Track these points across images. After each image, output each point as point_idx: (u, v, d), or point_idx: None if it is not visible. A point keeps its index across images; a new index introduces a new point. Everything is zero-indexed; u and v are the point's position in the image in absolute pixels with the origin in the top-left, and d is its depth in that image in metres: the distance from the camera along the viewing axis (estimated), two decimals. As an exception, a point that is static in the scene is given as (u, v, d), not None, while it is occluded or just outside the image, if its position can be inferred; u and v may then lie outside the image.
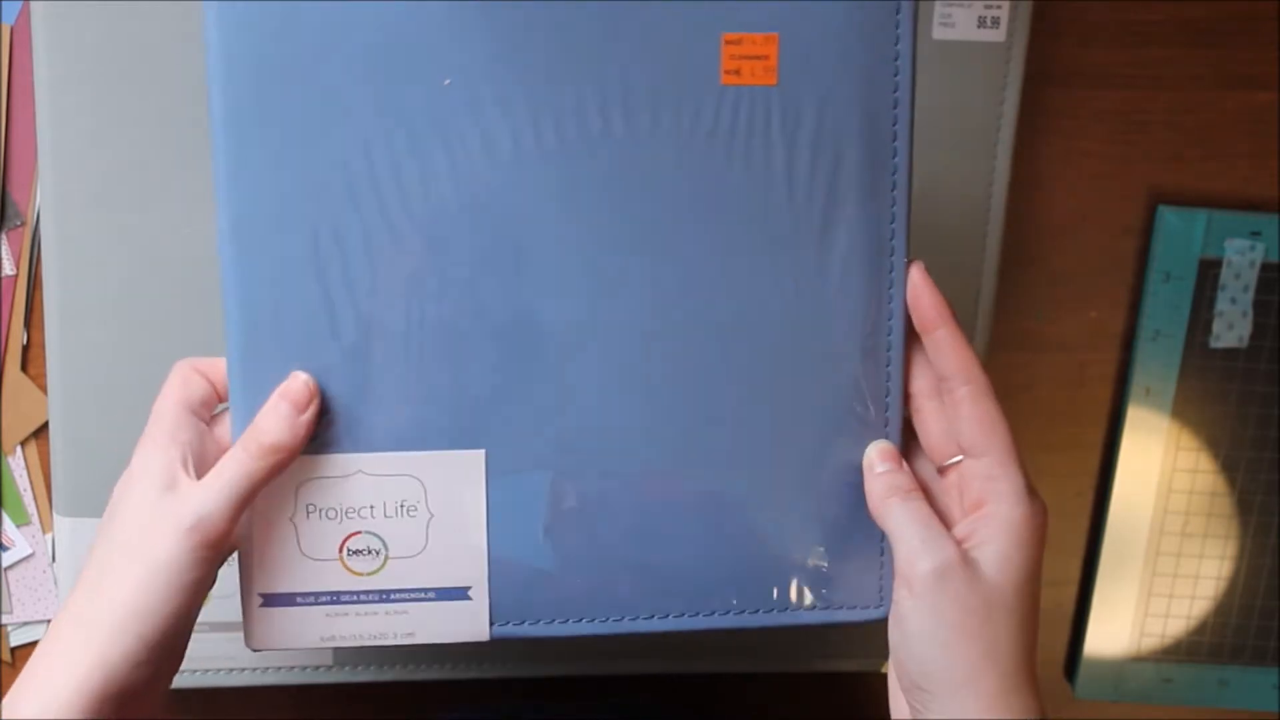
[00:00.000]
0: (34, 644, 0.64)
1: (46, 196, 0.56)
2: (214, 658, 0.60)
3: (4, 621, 0.63)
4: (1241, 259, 0.65)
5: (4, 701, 0.42)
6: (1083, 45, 0.63)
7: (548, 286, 0.44)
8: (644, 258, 0.44)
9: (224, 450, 0.44)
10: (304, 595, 0.45)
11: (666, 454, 0.45)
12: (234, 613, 0.60)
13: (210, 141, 0.43)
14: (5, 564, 0.62)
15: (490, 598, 0.45)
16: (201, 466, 0.44)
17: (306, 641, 0.45)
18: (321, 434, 0.44)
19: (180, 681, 0.60)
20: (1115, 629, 0.69)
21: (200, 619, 0.59)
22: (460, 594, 0.45)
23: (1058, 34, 0.63)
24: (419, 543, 0.45)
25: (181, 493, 0.42)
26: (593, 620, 0.46)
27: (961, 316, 0.62)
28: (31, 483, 0.62)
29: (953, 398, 0.44)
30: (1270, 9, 0.63)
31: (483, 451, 0.44)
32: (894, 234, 0.45)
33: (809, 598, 0.47)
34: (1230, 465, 0.68)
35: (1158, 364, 0.66)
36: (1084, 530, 0.69)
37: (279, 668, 0.62)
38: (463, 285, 0.44)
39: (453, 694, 0.66)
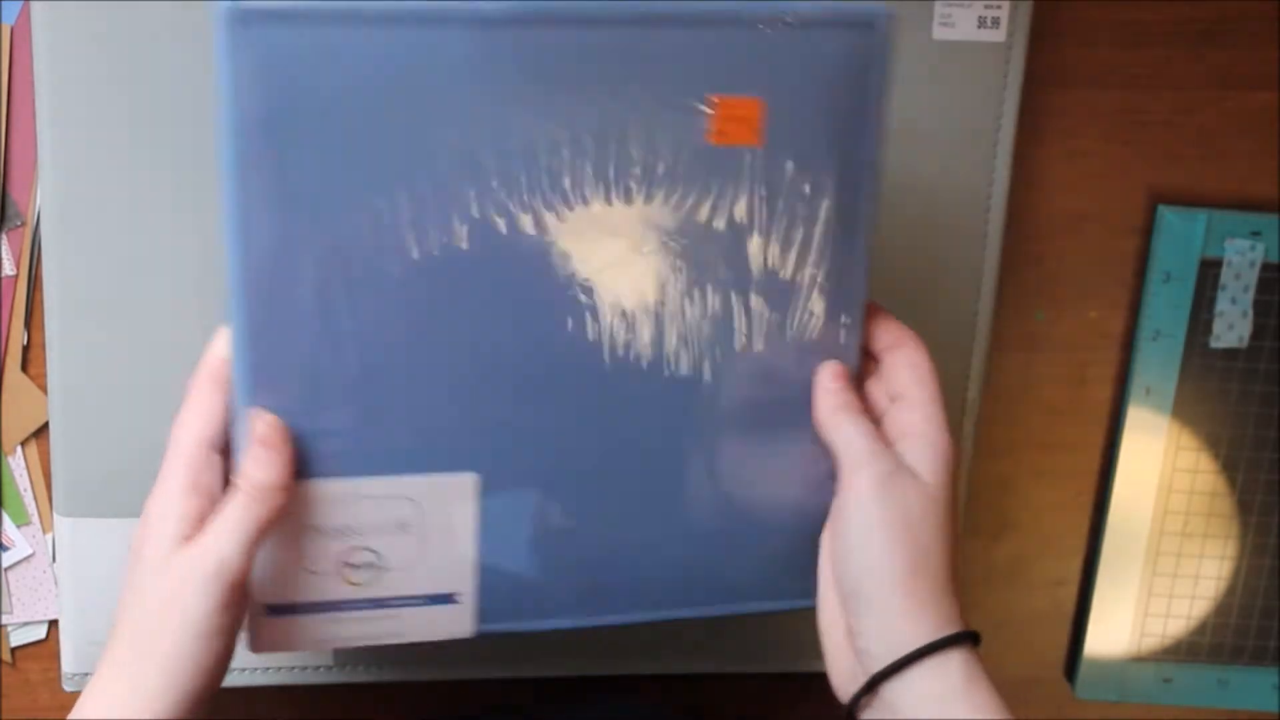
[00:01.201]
0: (34, 644, 0.64)
1: (46, 196, 0.56)
2: (214, 658, 0.60)
3: (4, 621, 0.63)
4: (1241, 259, 0.65)
5: None
6: (1083, 45, 0.63)
7: (541, 321, 0.46)
8: (626, 306, 0.47)
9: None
10: (305, 605, 0.47)
11: (648, 475, 0.49)
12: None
13: (220, 176, 0.43)
14: (5, 564, 0.62)
15: (476, 601, 0.49)
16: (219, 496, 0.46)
17: (306, 646, 0.48)
18: (325, 461, 0.46)
19: (180, 681, 0.60)
20: (1115, 629, 0.69)
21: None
22: (448, 600, 0.48)
23: (1058, 34, 0.63)
24: (413, 557, 0.47)
25: (201, 544, 0.44)
26: (568, 617, 0.50)
27: (961, 316, 0.62)
28: (31, 483, 0.62)
29: (891, 357, 0.49)
30: (1270, 9, 0.63)
31: (473, 475, 0.47)
32: (855, 275, 0.48)
33: (760, 590, 0.51)
34: (1230, 465, 0.68)
35: (1158, 364, 0.66)
36: (1084, 530, 0.69)
37: (279, 668, 0.62)
38: (461, 320, 0.45)
39: (452, 694, 0.66)
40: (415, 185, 0.44)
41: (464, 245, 0.44)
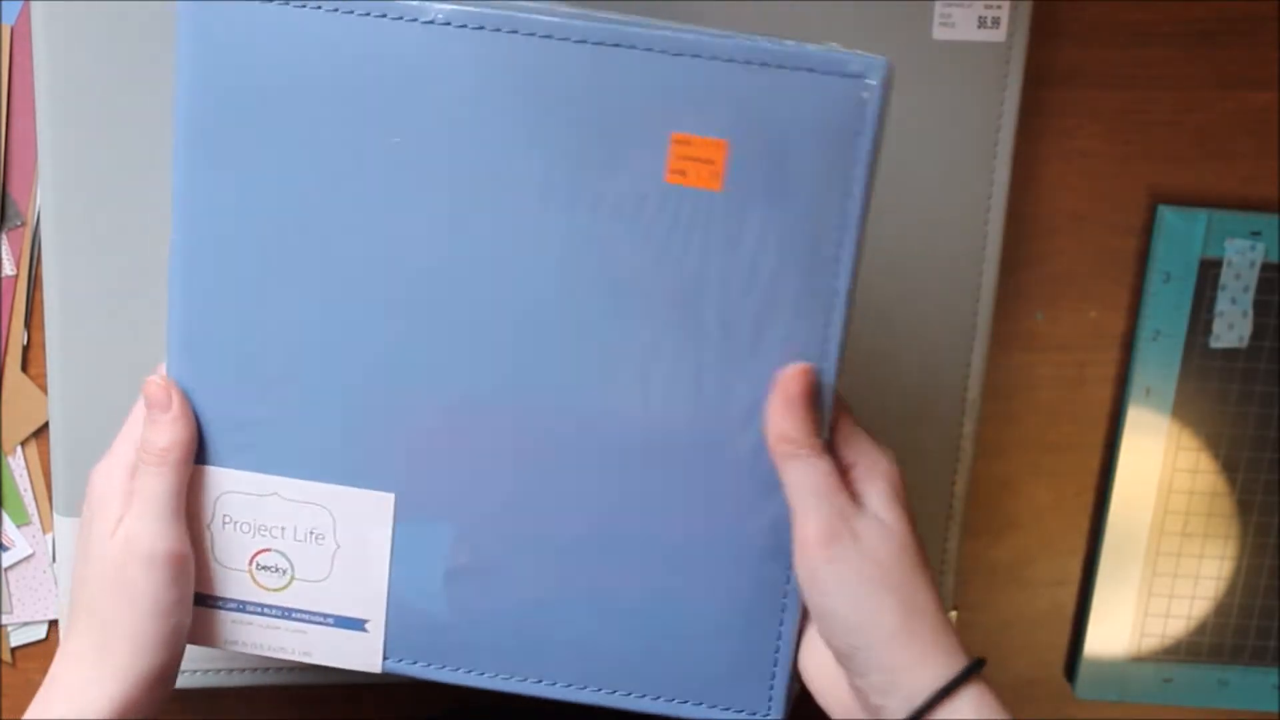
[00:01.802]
0: (34, 644, 0.64)
1: (46, 196, 0.56)
2: (214, 658, 0.60)
3: (4, 621, 0.63)
4: (1241, 259, 0.65)
5: None
6: (1083, 45, 0.63)
7: (475, 350, 0.45)
8: (568, 338, 0.44)
9: None
10: (212, 598, 0.47)
11: (570, 533, 0.46)
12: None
13: (172, 150, 0.44)
14: (5, 564, 0.62)
15: (386, 633, 0.47)
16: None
17: (211, 640, 0.48)
18: (244, 451, 0.46)
19: (180, 681, 0.60)
20: (1115, 629, 0.69)
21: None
22: (357, 625, 0.47)
23: (1058, 34, 0.63)
24: (324, 570, 0.47)
25: (127, 525, 0.45)
26: (481, 674, 0.48)
27: (961, 316, 0.62)
28: (31, 483, 0.62)
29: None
30: (1270, 9, 0.63)
31: (392, 495, 0.46)
32: (825, 354, 0.44)
33: (697, 692, 0.47)
34: (1230, 465, 0.68)
35: (1158, 364, 0.66)
36: (1084, 530, 0.69)
37: (279, 668, 0.62)
38: (393, 337, 0.45)
39: (453, 694, 0.65)
40: (359, 183, 0.43)
41: (408, 253, 0.44)
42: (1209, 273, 0.65)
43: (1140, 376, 0.66)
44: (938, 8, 0.58)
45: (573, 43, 0.41)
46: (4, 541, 0.62)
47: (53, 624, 0.64)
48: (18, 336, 0.61)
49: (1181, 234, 0.65)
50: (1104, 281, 0.66)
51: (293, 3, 0.42)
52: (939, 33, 0.59)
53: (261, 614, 0.47)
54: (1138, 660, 0.70)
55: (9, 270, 0.60)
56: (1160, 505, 0.68)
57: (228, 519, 0.46)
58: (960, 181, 0.60)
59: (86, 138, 0.55)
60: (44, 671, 0.66)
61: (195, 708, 0.65)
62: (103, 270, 0.56)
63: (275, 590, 0.47)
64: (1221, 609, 0.69)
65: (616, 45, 0.41)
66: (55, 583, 0.63)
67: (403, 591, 0.47)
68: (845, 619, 0.44)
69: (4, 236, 0.60)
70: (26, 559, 0.63)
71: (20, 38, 0.58)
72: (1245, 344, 0.66)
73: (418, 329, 0.44)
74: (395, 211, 0.43)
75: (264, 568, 0.47)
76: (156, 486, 0.45)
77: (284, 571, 0.47)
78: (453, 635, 0.47)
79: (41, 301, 0.58)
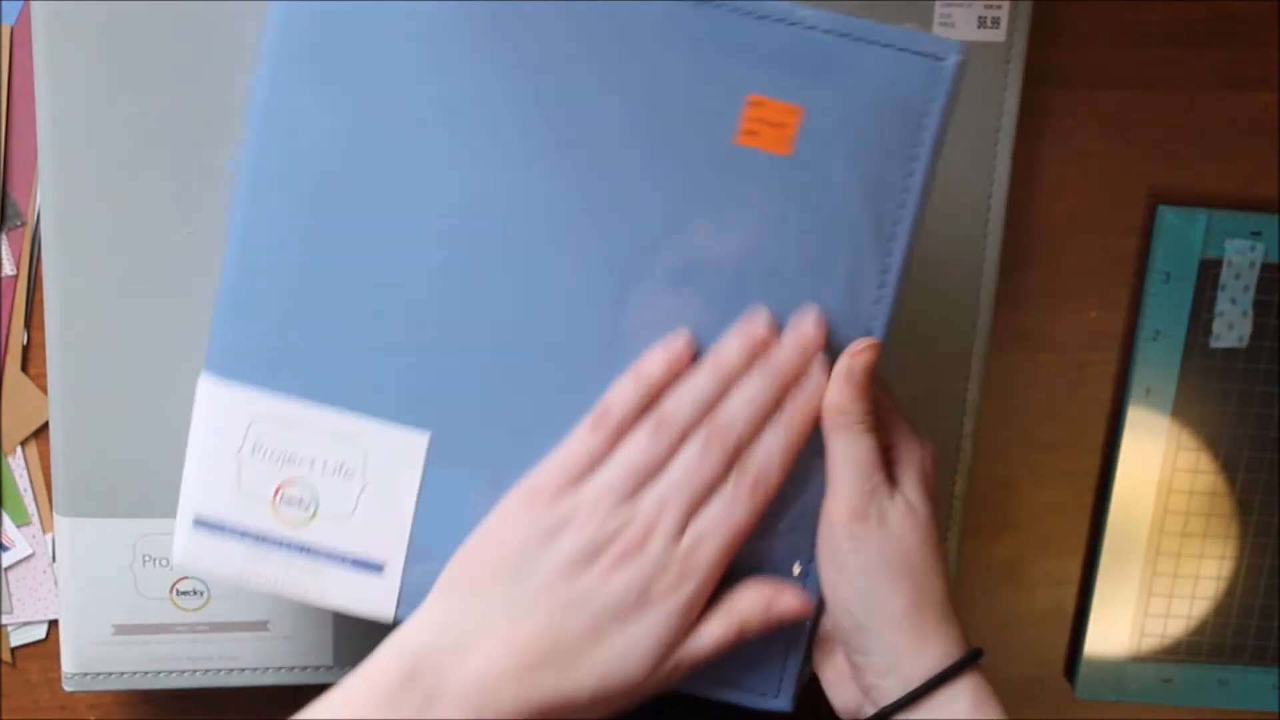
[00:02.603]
0: (34, 644, 0.64)
1: (46, 196, 0.56)
2: (214, 658, 0.60)
3: (4, 621, 0.63)
4: (1241, 259, 0.65)
5: None
6: (1083, 45, 0.63)
7: (529, 300, 0.45)
8: (621, 293, 0.45)
9: None
10: (232, 528, 0.47)
11: None
12: (234, 613, 0.60)
13: (259, 59, 0.44)
14: (5, 564, 0.62)
15: (402, 579, 0.47)
16: None
17: (224, 572, 0.47)
18: (285, 376, 0.45)
19: (181, 682, 0.60)
20: (1115, 629, 0.69)
21: (200, 619, 0.59)
22: (375, 568, 0.47)
23: (1058, 34, 0.63)
24: (348, 507, 0.46)
25: None
26: None
27: (961, 316, 0.62)
28: (31, 483, 0.62)
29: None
30: (1270, 9, 0.63)
31: (428, 435, 0.46)
32: (872, 331, 0.45)
33: (714, 669, 0.47)
34: (1230, 465, 0.68)
35: (1158, 364, 0.66)
36: (1084, 530, 0.69)
37: (279, 668, 0.62)
38: (448, 280, 0.45)
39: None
40: (438, 120, 0.43)
41: (475, 196, 0.44)
42: (1209, 273, 0.65)
43: (1140, 376, 0.66)
44: (938, 8, 0.58)
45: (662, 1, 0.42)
46: (4, 541, 0.62)
47: (53, 624, 0.64)
48: (18, 336, 0.61)
49: (1181, 234, 0.65)
50: (1104, 281, 0.66)
51: None
52: (939, 32, 0.59)
53: (279, 547, 0.47)
54: (1137, 660, 0.70)
55: (9, 270, 0.60)
56: (1160, 505, 0.68)
57: (258, 446, 0.46)
58: (960, 181, 0.60)
59: (86, 138, 0.55)
60: (44, 671, 0.66)
61: (194, 708, 0.65)
62: (103, 270, 0.56)
63: (297, 525, 0.46)
64: (1221, 609, 0.69)
65: (701, 0, 0.42)
66: (55, 583, 0.63)
67: (425, 537, 0.46)
68: (858, 598, 0.45)
69: (4, 236, 0.60)
70: (26, 559, 0.63)
71: (20, 38, 0.58)
72: (1245, 344, 0.66)
73: (475, 274, 0.45)
74: (468, 155, 0.44)
75: (288, 500, 0.46)
76: None
77: (308, 505, 0.46)
78: None
79: (41, 301, 0.58)
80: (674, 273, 0.45)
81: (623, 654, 0.43)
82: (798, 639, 0.47)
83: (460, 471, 0.46)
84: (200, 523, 0.46)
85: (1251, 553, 0.69)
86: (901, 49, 0.42)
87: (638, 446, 0.44)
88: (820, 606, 0.47)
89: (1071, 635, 0.71)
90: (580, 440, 0.44)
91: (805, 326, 0.44)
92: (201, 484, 0.46)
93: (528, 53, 0.43)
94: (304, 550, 0.47)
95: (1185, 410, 0.67)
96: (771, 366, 0.44)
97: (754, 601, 0.45)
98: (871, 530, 0.44)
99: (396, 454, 0.46)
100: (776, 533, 0.46)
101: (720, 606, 0.45)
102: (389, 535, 0.46)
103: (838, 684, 0.47)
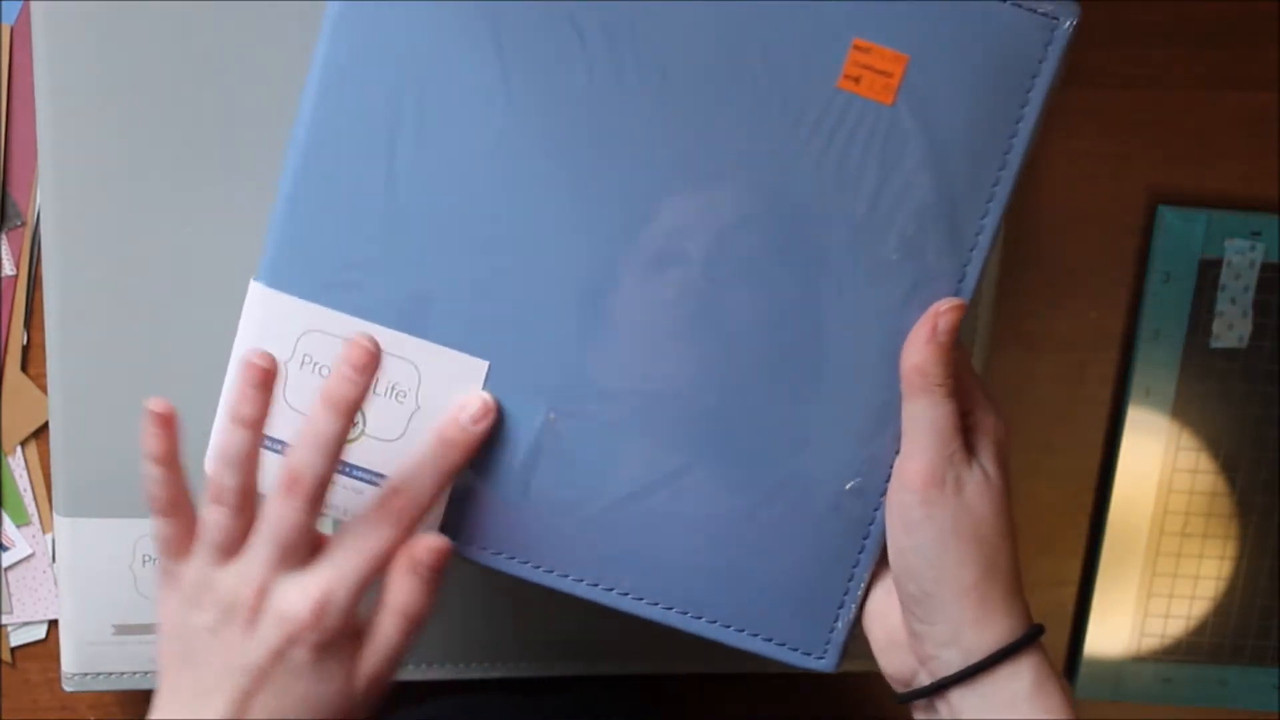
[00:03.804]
0: (34, 644, 0.64)
1: (46, 196, 0.56)
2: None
3: (4, 621, 0.63)
4: (1241, 259, 0.65)
5: None
6: (1083, 45, 0.63)
7: (594, 230, 0.43)
8: (697, 226, 0.43)
9: None
10: (275, 441, 0.45)
11: (667, 438, 0.45)
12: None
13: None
14: (5, 564, 0.62)
15: (447, 509, 0.45)
16: None
17: (266, 485, 0.44)
18: (344, 291, 0.44)
19: (180, 681, 0.60)
20: (1115, 629, 0.69)
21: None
22: None
23: (1058, 34, 0.63)
24: (398, 429, 0.45)
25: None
26: (536, 567, 0.46)
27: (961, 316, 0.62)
28: (31, 483, 0.62)
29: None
30: (1270, 9, 0.63)
31: (487, 363, 0.44)
32: (961, 291, 0.44)
33: (756, 622, 0.47)
34: (1230, 465, 0.68)
35: (1158, 364, 0.66)
36: (1084, 530, 0.69)
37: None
38: (512, 206, 0.43)
39: (450, 694, 0.65)
40: (512, 67, 0.42)
41: (548, 134, 0.43)
42: (1209, 273, 0.65)
43: (1140, 376, 0.66)
44: (938, 8, 0.58)
45: None
46: (4, 541, 0.62)
47: (53, 624, 0.64)
48: (18, 336, 0.61)
49: (1181, 234, 0.65)
50: (1104, 281, 0.66)
51: None
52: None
53: None
54: (1137, 660, 0.70)
55: (9, 270, 0.60)
56: (1160, 505, 0.68)
57: (308, 358, 0.44)
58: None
59: (86, 138, 0.55)
60: (44, 671, 0.66)
61: (195, 708, 0.65)
62: (103, 270, 0.56)
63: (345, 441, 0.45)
64: (1221, 609, 0.69)
65: None
66: (55, 583, 0.63)
67: (474, 471, 0.45)
68: (927, 563, 0.44)
69: (4, 236, 0.60)
70: (26, 559, 0.63)
71: (20, 38, 0.58)
72: (1245, 344, 0.66)
73: (547, 208, 0.43)
74: (544, 88, 0.42)
75: None
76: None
77: (355, 424, 0.44)
78: (521, 522, 0.46)
79: (41, 301, 0.58)
80: (758, 218, 0.43)
81: (307, 703, 0.43)
82: (851, 596, 0.46)
83: (519, 401, 0.44)
84: None
85: (1251, 553, 0.69)
86: (1018, 4, 0.42)
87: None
88: (879, 567, 0.46)
89: (1071, 635, 0.71)
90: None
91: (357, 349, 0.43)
92: None
93: None
94: (347, 469, 0.45)
95: (1185, 410, 0.67)
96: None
97: (399, 581, 0.44)
98: (947, 497, 0.43)
99: (453, 379, 0.44)
100: (839, 471, 0.45)
101: (377, 608, 0.44)
102: None
103: (890, 650, 0.46)
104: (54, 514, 0.59)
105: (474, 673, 0.64)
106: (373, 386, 0.44)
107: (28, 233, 0.60)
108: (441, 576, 0.44)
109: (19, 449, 0.62)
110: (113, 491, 0.57)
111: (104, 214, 0.56)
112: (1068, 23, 0.42)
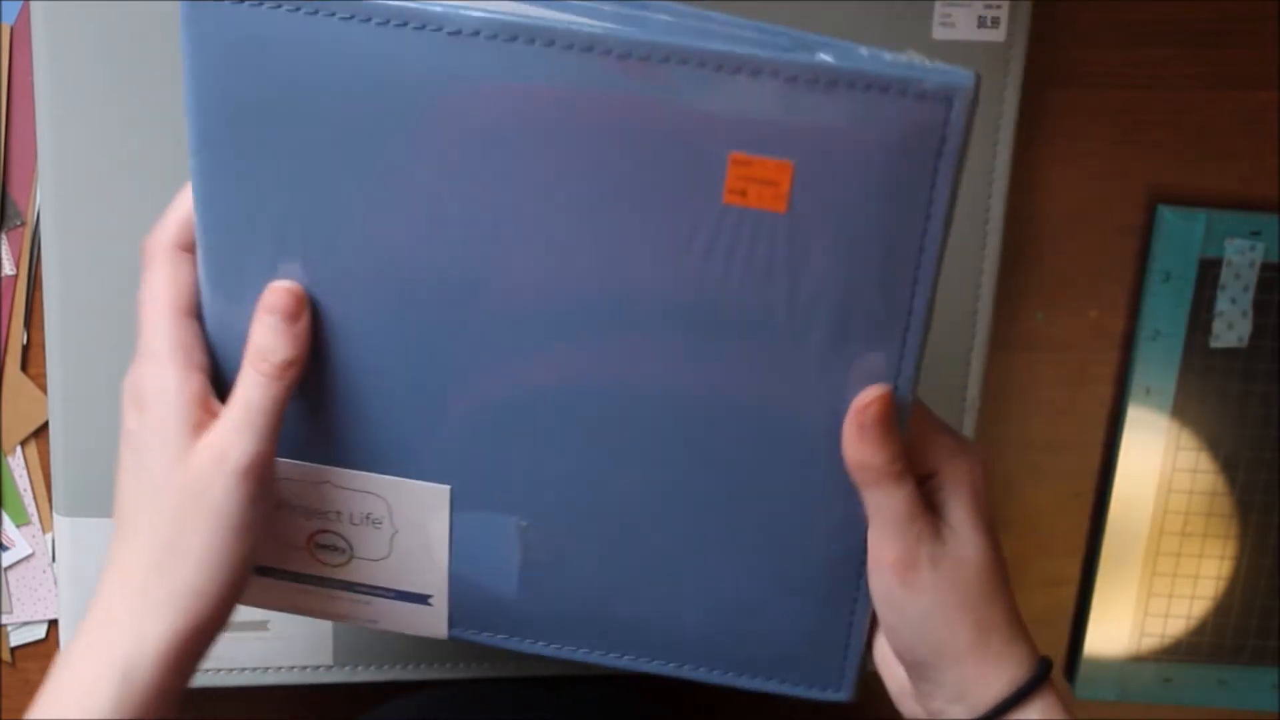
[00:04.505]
0: (34, 644, 0.64)
1: (46, 196, 0.56)
2: (214, 657, 0.60)
3: (4, 621, 0.63)
4: (1241, 259, 0.65)
5: (41, 701, 0.42)
6: (1083, 45, 0.63)
7: (532, 342, 0.42)
8: (627, 337, 0.42)
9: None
10: (275, 570, 0.47)
11: (644, 519, 0.45)
12: (236, 612, 0.60)
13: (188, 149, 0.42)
14: (5, 564, 0.62)
15: (450, 607, 0.47)
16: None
17: (278, 606, 0.48)
18: (294, 441, 0.44)
19: (180, 681, 0.60)
20: (1115, 629, 0.69)
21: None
22: (421, 599, 0.47)
23: (1058, 34, 0.63)
24: (383, 550, 0.46)
25: (221, 435, 0.41)
26: (549, 644, 0.48)
27: (961, 316, 0.62)
28: (31, 483, 0.62)
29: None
30: (1270, 9, 0.63)
31: (447, 488, 0.45)
32: (901, 372, 0.42)
33: (767, 667, 0.47)
34: (1230, 465, 0.68)
35: (1158, 364, 0.66)
36: (1084, 530, 0.69)
37: (279, 668, 0.62)
38: (445, 333, 0.42)
39: (456, 694, 0.65)
40: (405, 184, 0.40)
41: (451, 257, 0.41)
42: (1209, 272, 0.65)
43: (1140, 376, 0.66)
44: (938, 7, 0.58)
45: (616, 57, 0.37)
46: (4, 541, 0.62)
47: (53, 624, 0.64)
48: (18, 336, 0.61)
49: (1181, 234, 0.65)
50: (1104, 281, 0.66)
51: (303, 9, 0.38)
52: (939, 32, 0.59)
53: (325, 586, 0.47)
54: (1137, 660, 0.70)
55: (9, 270, 0.60)
56: (1160, 505, 0.68)
57: (283, 503, 0.45)
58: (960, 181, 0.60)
59: (86, 138, 0.55)
60: (44, 671, 0.66)
61: (195, 708, 0.65)
62: (103, 270, 0.56)
63: (336, 566, 0.47)
64: (1221, 609, 0.69)
65: (666, 60, 0.37)
66: (55, 583, 0.63)
67: (466, 573, 0.46)
68: (918, 638, 0.43)
69: (4, 236, 0.60)
70: (26, 559, 0.63)
71: (20, 38, 0.58)
72: (1245, 344, 0.66)
73: (471, 322, 0.42)
74: (430, 221, 0.41)
75: (323, 546, 0.46)
76: (263, 400, 0.41)
77: (343, 550, 0.46)
78: (521, 610, 0.47)
79: (41, 301, 0.58)
80: (670, 329, 0.42)
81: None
82: (856, 630, 0.46)
83: (491, 515, 0.45)
84: (256, 570, 0.46)
85: (1251, 553, 0.69)
86: (899, 94, 0.37)
87: None
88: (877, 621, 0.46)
89: (1071, 635, 0.71)
90: None
91: None
92: None
93: (474, 125, 0.39)
94: (348, 587, 0.47)
95: (1185, 410, 0.67)
96: None
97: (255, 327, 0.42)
98: (923, 576, 0.42)
99: (421, 505, 0.45)
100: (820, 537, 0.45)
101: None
102: (429, 573, 0.47)
103: (902, 698, 0.46)
104: (54, 514, 0.59)
105: (473, 673, 0.64)
106: (349, 519, 0.46)
107: (28, 233, 0.60)
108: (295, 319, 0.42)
109: (19, 449, 0.62)
110: (112, 491, 0.57)
111: (104, 214, 0.56)
112: (961, 99, 0.37)
